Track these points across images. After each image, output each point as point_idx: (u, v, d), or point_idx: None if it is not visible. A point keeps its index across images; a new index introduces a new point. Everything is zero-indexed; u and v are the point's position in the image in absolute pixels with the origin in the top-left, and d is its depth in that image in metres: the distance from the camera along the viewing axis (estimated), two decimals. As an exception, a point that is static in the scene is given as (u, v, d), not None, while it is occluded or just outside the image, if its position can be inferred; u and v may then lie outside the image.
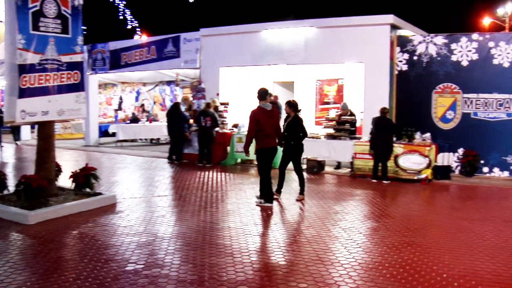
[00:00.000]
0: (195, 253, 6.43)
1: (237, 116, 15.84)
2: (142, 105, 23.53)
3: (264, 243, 6.85)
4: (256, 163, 9.58)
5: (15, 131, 21.04)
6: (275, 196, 9.54)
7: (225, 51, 15.63)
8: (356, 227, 7.74)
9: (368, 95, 13.34)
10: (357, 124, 13.96)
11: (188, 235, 7.30)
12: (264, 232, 7.43)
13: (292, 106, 9.73)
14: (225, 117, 15.51)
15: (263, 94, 9.23)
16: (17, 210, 8.25)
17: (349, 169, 12.87)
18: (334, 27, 13.93)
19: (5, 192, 9.39)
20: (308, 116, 17.08)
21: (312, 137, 13.29)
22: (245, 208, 8.92)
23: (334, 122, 13.80)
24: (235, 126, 15.07)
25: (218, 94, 15.52)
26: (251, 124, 9.06)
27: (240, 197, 9.97)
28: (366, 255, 6.42)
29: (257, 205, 9.22)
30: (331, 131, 13.65)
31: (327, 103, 17.12)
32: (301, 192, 9.74)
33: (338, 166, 13.57)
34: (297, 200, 9.58)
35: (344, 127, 13.23)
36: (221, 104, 15.38)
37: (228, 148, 14.49)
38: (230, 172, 13.06)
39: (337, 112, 14.37)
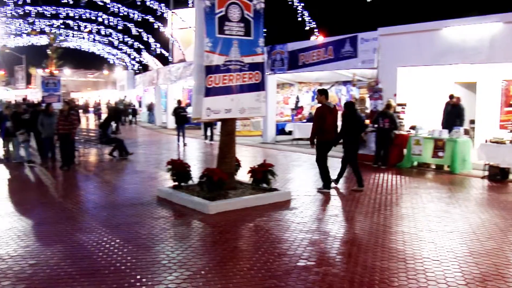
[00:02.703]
0: (366, 255, 6.37)
1: (415, 117, 15.32)
2: (296, 102, 23.70)
3: (439, 252, 6.55)
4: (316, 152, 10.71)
5: (207, 128, 22.14)
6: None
7: (404, 51, 15.19)
8: (545, 241, 7.06)
9: None
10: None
11: (360, 236, 7.26)
12: (439, 239, 7.10)
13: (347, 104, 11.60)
14: (402, 118, 15.09)
15: (327, 93, 10.74)
16: (199, 200, 8.90)
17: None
18: (524, 22, 12.78)
19: (190, 182, 10.15)
20: (491, 119, 15.94)
21: (496, 142, 12.37)
22: (420, 214, 8.61)
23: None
24: (413, 128, 14.60)
25: (395, 95, 15.14)
26: (317, 119, 10.42)
27: (415, 201, 9.64)
28: (556, 273, 5.82)
29: (318, 191, 10.54)
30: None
31: (515, 105, 15.79)
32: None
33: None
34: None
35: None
36: (399, 105, 14.99)
37: (405, 150, 14.09)
38: (406, 175, 12.67)
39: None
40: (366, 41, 16.18)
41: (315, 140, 10.60)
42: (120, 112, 31.42)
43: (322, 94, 10.61)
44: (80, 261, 6.15)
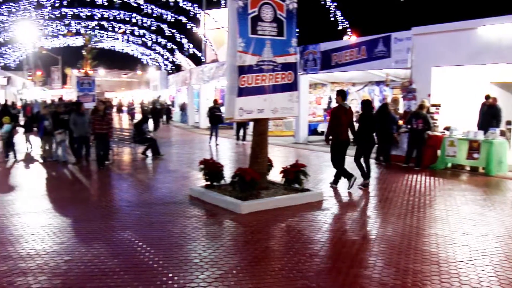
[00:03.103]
0: (399, 257, 6.30)
1: (450, 118, 15.07)
2: (329, 103, 23.57)
3: (473, 255, 6.43)
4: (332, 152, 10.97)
5: (240, 128, 21.93)
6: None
7: (438, 50, 14.97)
8: None
9: None
10: None
11: (393, 238, 7.17)
12: (474, 243, 6.96)
13: (364, 103, 11.63)
14: (436, 119, 14.86)
15: (345, 95, 11.02)
16: (231, 199, 8.93)
17: None
18: None
19: (222, 182, 10.20)
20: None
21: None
22: (454, 216, 8.47)
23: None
24: (447, 128, 14.36)
25: (429, 95, 14.93)
26: (332, 119, 10.73)
27: (449, 203, 9.48)
28: None
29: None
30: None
31: (554, 105, 15.37)
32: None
33: None
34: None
35: None
36: (433, 105, 14.77)
37: (439, 152, 13.88)
38: (440, 177, 12.48)
39: None
40: (400, 40, 16.01)
41: (329, 138, 11.00)
42: (159, 112, 31.71)
43: (338, 95, 10.86)
44: (113, 258, 6.24)
